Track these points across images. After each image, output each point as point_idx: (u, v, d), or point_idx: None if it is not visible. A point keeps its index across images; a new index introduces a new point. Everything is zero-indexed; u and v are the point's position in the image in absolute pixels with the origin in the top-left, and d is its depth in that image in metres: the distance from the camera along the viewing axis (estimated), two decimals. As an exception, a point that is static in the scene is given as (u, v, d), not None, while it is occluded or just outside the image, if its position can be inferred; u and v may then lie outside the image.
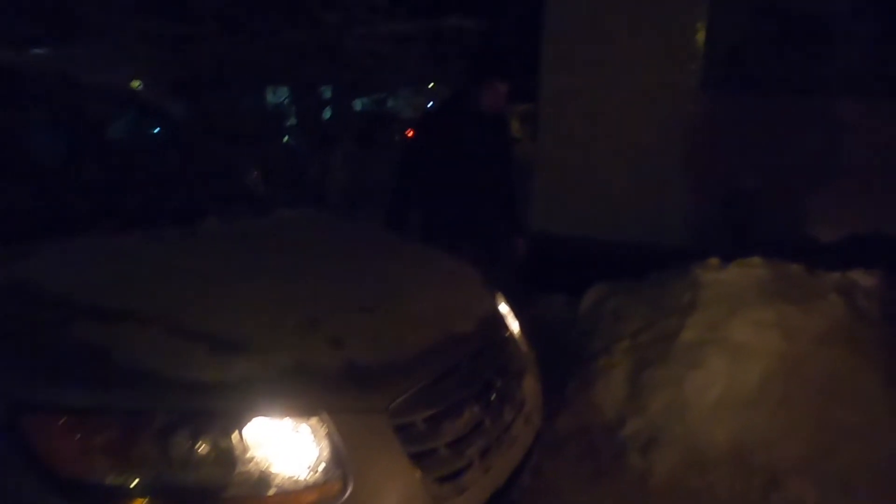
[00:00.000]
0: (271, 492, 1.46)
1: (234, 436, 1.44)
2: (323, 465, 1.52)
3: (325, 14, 6.11)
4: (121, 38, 6.46)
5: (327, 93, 7.69)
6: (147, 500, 1.35)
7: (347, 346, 1.72)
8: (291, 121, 7.41)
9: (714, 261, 4.11)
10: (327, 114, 7.69)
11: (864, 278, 3.73)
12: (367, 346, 1.76)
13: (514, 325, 2.58)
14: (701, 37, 4.98)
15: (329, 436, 1.53)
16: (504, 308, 2.62)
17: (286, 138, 7.46)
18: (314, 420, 1.53)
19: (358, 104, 9.15)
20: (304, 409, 1.53)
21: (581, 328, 4.27)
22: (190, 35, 6.10)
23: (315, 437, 1.53)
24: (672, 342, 3.69)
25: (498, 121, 3.66)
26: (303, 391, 1.55)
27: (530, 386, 2.38)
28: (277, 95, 8.43)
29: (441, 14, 6.47)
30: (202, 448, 1.40)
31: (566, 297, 4.62)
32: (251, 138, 7.24)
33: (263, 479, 1.46)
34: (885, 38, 4.80)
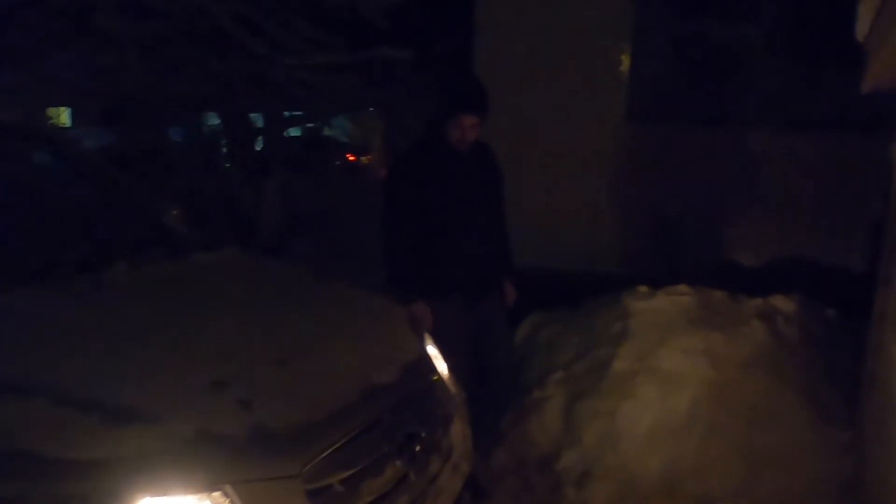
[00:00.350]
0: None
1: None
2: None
3: (255, 44, 5.99)
4: (47, 68, 6.21)
5: (259, 121, 7.55)
6: None
7: (257, 408, 1.63)
8: (222, 150, 7.23)
9: (643, 289, 4.18)
10: (259, 143, 7.55)
11: (783, 303, 3.84)
12: (279, 406, 1.68)
13: (441, 367, 2.53)
14: (625, 69, 5.12)
15: (234, 509, 1.44)
16: (432, 349, 2.57)
17: (216, 168, 7.28)
18: (217, 494, 1.44)
19: (292, 132, 9.02)
20: (205, 483, 1.43)
21: (516, 359, 4.26)
22: (114, 64, 5.89)
23: (218, 512, 1.43)
24: (604, 372, 3.71)
25: (479, 156, 3.16)
26: (204, 462, 1.46)
27: (458, 431, 2.33)
28: (207, 125, 8.24)
29: (371, 44, 6.46)
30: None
31: (513, 325, 4.61)
32: (179, 169, 7.03)
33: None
34: (798, 70, 5.03)
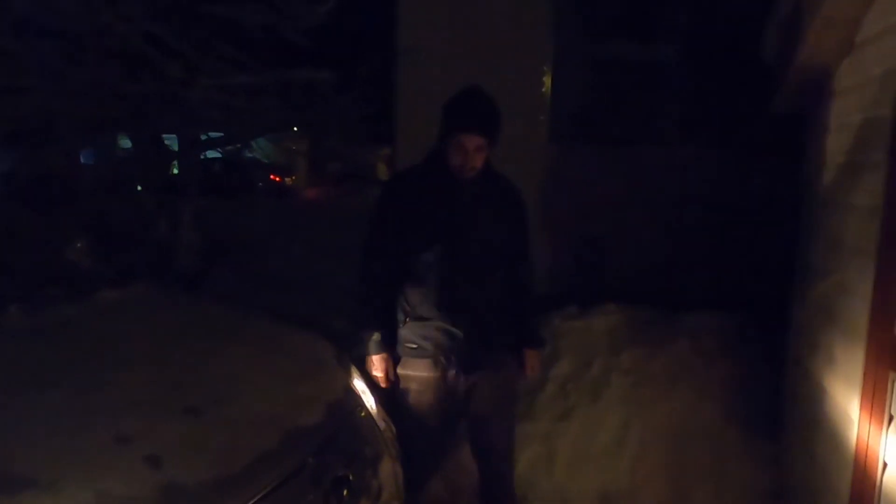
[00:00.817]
0: None
1: None
2: None
3: (169, 65, 5.74)
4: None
5: (175, 145, 7.25)
6: None
7: (166, 465, 1.49)
8: (134, 175, 6.88)
9: (572, 309, 4.20)
10: (175, 167, 7.22)
11: (706, 320, 3.93)
12: (191, 460, 1.54)
13: (370, 402, 2.43)
14: (547, 92, 5.18)
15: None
16: (359, 384, 2.46)
17: (128, 194, 6.91)
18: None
19: (211, 155, 8.71)
20: (107, 555, 1.29)
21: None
22: (12, 86, 5.52)
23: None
24: (537, 395, 3.69)
25: (490, 190, 2.53)
26: (106, 532, 1.31)
27: (388, 469, 2.23)
28: (118, 149, 7.84)
29: (292, 66, 6.32)
30: None
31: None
32: (86, 197, 6.64)
33: None
34: (710, 91, 5.22)
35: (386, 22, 6.02)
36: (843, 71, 2.62)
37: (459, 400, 2.54)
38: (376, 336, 2.49)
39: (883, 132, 2.05)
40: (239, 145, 7.92)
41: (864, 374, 2.13)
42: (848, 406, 2.29)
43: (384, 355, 2.51)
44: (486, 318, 2.49)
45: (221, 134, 7.41)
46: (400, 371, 2.54)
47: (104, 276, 2.75)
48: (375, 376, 2.53)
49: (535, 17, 5.12)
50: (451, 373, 2.49)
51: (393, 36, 5.77)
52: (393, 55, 5.87)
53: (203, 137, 7.15)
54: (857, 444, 2.18)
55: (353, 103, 7.54)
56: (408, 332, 2.49)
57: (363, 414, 2.30)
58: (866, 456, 2.10)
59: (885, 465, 2.00)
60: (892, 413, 1.96)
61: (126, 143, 7.29)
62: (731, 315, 3.93)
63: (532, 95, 5.19)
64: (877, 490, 2.03)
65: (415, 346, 2.48)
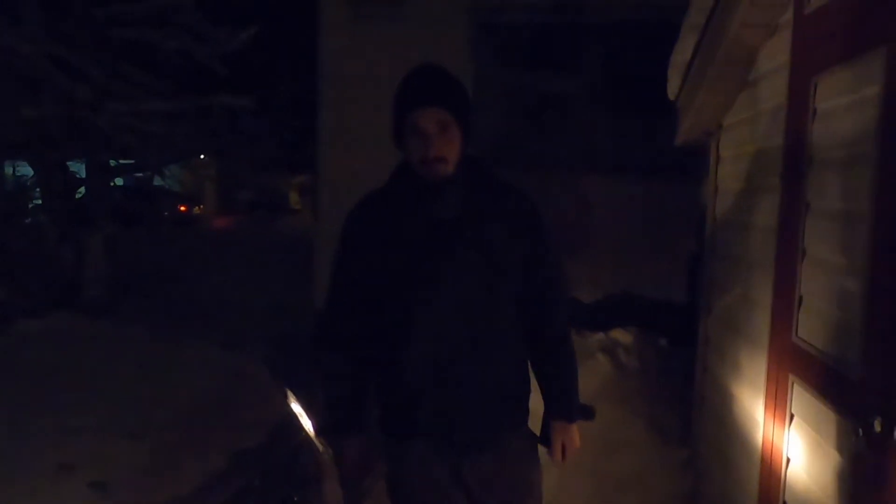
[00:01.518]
0: None
1: None
2: None
3: (76, 88, 5.55)
4: None
5: (82, 171, 6.95)
6: None
7: (113, 490, 1.47)
8: (35, 202, 6.53)
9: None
10: (81, 194, 6.93)
11: (622, 336, 4.15)
12: (139, 485, 1.52)
13: (307, 425, 2.44)
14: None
15: None
16: (297, 407, 2.47)
17: (30, 223, 6.56)
18: None
19: (119, 181, 8.39)
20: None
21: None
22: None
23: None
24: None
25: (480, 204, 1.82)
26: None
27: (329, 490, 2.24)
28: (18, 175, 7.43)
29: (209, 91, 6.24)
30: None
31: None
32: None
33: None
34: (621, 120, 5.57)
35: (307, 49, 6.08)
36: (737, 105, 2.91)
37: (455, 496, 1.83)
38: (345, 415, 1.89)
39: (776, 160, 2.30)
40: (150, 172, 7.69)
41: (767, 378, 2.35)
42: (753, 409, 2.50)
43: (357, 439, 1.89)
44: (486, 384, 1.80)
45: (132, 161, 7.19)
46: (376, 458, 1.92)
47: (19, 308, 2.65)
48: (346, 465, 1.91)
49: (453, 46, 5.30)
50: (442, 460, 1.82)
51: (314, 63, 5.82)
52: (314, 82, 5.91)
53: (113, 163, 6.91)
54: (763, 444, 2.38)
55: (270, 130, 7.51)
56: (385, 410, 1.88)
57: (303, 436, 2.31)
58: (771, 453, 2.31)
59: (788, 460, 2.20)
60: (793, 412, 2.16)
61: (26, 170, 6.93)
62: (644, 332, 4.17)
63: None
64: (782, 484, 2.22)
65: (394, 426, 1.86)
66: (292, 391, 2.59)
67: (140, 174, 7.82)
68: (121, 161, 7.25)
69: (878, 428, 1.48)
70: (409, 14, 5.48)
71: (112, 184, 7.80)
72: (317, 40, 5.73)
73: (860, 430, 1.54)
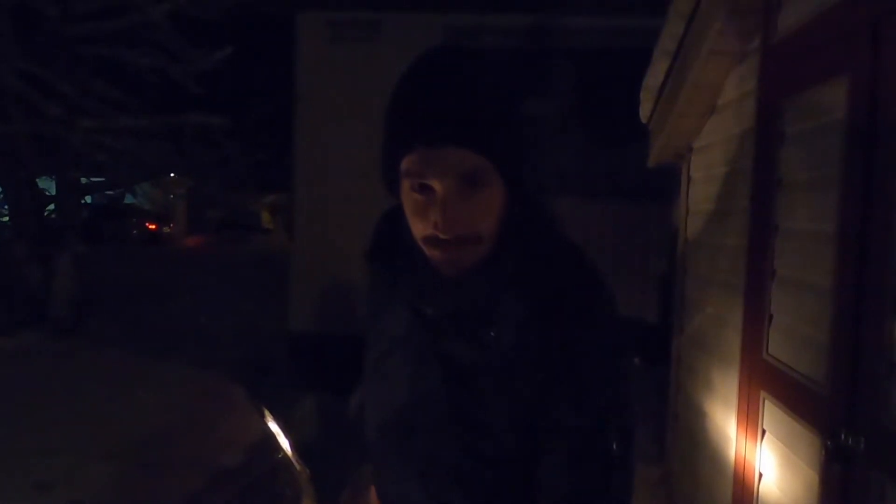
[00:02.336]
0: None
1: None
2: None
3: (47, 105, 5.49)
4: None
5: (52, 188, 6.84)
6: None
7: (90, 510, 1.45)
8: (2, 220, 6.39)
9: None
10: (50, 212, 6.81)
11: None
12: (117, 504, 1.50)
13: (285, 444, 2.42)
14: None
15: None
16: (273, 427, 2.45)
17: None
18: None
19: (88, 199, 8.26)
20: None
21: (350, 430, 4.18)
22: None
23: None
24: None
25: (505, 280, 0.98)
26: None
27: (307, 510, 2.22)
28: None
29: (182, 110, 6.22)
30: None
31: (332, 396, 4.52)
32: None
33: None
34: (593, 143, 5.67)
35: (281, 69, 6.10)
36: (707, 129, 3.00)
37: None
38: None
39: (745, 182, 2.37)
40: (121, 189, 7.59)
41: (739, 396, 2.40)
42: (726, 425, 2.55)
43: None
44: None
45: (103, 178, 7.09)
46: None
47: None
48: None
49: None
50: None
51: (288, 83, 5.84)
52: (288, 102, 5.92)
53: (83, 181, 6.81)
54: (735, 460, 2.43)
55: (243, 150, 7.48)
56: None
57: (280, 455, 2.29)
58: (744, 469, 2.35)
59: (760, 475, 2.24)
60: (765, 428, 2.21)
61: (-8, 186, 6.80)
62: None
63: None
64: (755, 499, 2.26)
65: None
66: (269, 410, 2.58)
67: (110, 192, 7.69)
68: (91, 179, 7.15)
69: (844, 441, 1.53)
70: (385, 36, 5.54)
71: (82, 201, 7.69)
72: (292, 60, 5.76)
73: (828, 444, 1.58)
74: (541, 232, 1.03)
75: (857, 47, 1.61)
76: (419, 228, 0.93)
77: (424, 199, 0.91)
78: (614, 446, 0.94)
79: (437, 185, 0.89)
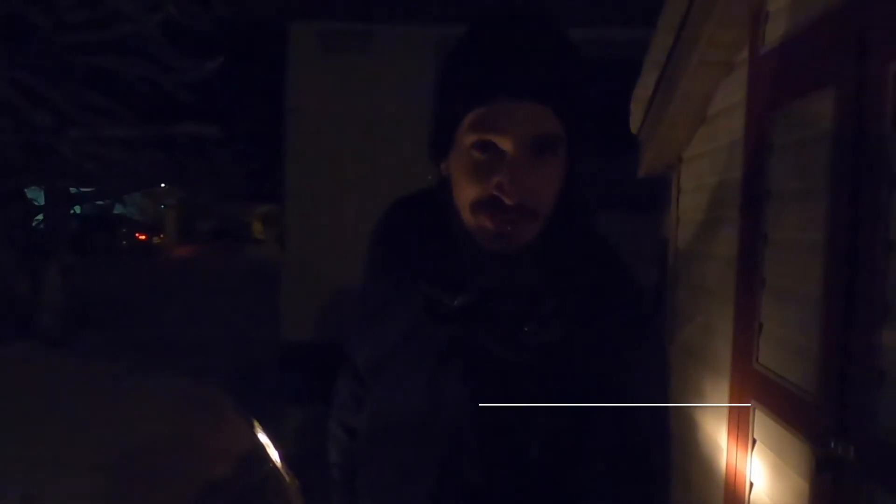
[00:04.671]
0: None
1: None
2: None
3: (36, 115, 5.46)
4: None
5: (40, 198, 6.80)
6: None
7: (78, 523, 1.43)
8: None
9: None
10: (39, 222, 6.77)
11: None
12: (104, 517, 1.49)
13: (274, 456, 2.41)
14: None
15: None
16: (263, 438, 2.44)
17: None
18: None
19: (78, 209, 8.22)
20: None
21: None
22: None
23: None
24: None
25: (563, 276, 0.90)
26: None
27: (297, 522, 2.21)
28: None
29: (174, 119, 6.21)
30: None
31: (323, 406, 4.50)
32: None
33: None
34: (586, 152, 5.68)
35: (273, 79, 6.11)
36: (697, 139, 3.02)
37: None
38: None
39: (735, 192, 2.39)
40: (111, 200, 7.57)
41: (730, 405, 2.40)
42: (717, 435, 2.55)
43: None
44: None
45: (92, 188, 7.07)
46: None
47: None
48: None
49: (421, 80, 5.38)
50: None
51: (281, 93, 5.84)
52: (280, 113, 5.93)
53: (73, 191, 6.78)
54: (726, 469, 2.43)
55: (235, 160, 7.47)
56: None
57: (270, 467, 2.27)
58: (735, 479, 2.35)
59: (751, 484, 2.24)
60: (756, 437, 2.22)
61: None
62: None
63: (414, 155, 5.41)
64: (746, 508, 2.27)
65: None
66: (259, 421, 2.56)
67: (100, 202, 7.66)
68: (81, 189, 7.12)
69: (834, 450, 1.54)
70: (377, 48, 5.57)
71: (71, 212, 7.65)
72: (284, 71, 5.77)
73: (818, 453, 1.59)
74: (587, 222, 0.97)
75: (843, 59, 1.62)
76: (475, 191, 0.84)
77: (488, 159, 0.83)
78: (656, 470, 0.85)
79: (508, 143, 0.82)
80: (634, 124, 3.46)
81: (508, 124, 0.82)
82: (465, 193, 0.86)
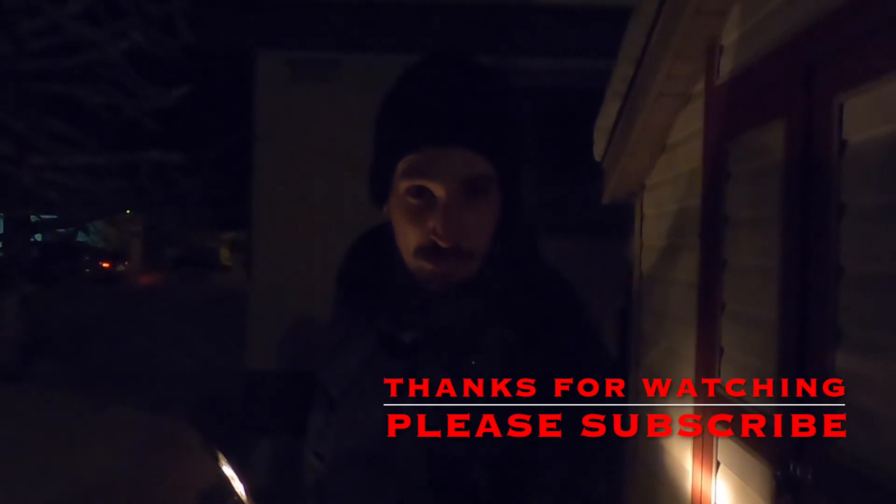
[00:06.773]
0: None
1: None
2: None
3: (-3, 142, 5.37)
4: None
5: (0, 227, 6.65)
6: None
7: (32, 565, 1.39)
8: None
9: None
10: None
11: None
12: (60, 558, 1.44)
13: (240, 489, 2.36)
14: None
15: None
16: (228, 471, 2.39)
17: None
18: None
19: (39, 237, 8.04)
20: None
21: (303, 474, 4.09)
22: None
23: None
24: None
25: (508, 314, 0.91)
26: None
27: (262, 557, 2.16)
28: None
29: (138, 147, 6.14)
30: None
31: (292, 436, 4.43)
32: None
33: None
34: (550, 180, 5.78)
35: (241, 107, 6.09)
36: (659, 167, 3.09)
37: None
38: None
39: (694, 219, 2.45)
40: (73, 228, 7.43)
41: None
42: (682, 458, 2.58)
43: None
44: None
45: (54, 216, 6.93)
46: None
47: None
48: None
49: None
50: None
51: (247, 120, 5.83)
52: (246, 139, 5.91)
53: (34, 219, 6.64)
54: (692, 492, 2.45)
55: (202, 186, 7.41)
56: None
57: (235, 500, 2.23)
58: (700, 500, 2.38)
59: (716, 507, 2.27)
60: (719, 460, 2.25)
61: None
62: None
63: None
64: (712, 531, 2.29)
65: None
66: (223, 454, 2.51)
67: (62, 230, 7.52)
68: (42, 216, 6.99)
69: (793, 472, 1.57)
70: (345, 76, 5.60)
71: (32, 240, 7.48)
72: (251, 99, 5.76)
73: (778, 475, 1.62)
74: (528, 255, 0.99)
75: (792, 91, 1.69)
76: (413, 237, 0.87)
77: (421, 205, 0.85)
78: (601, 487, 0.87)
79: (439, 188, 0.84)
80: (598, 153, 3.53)
81: (438, 170, 0.84)
82: (405, 238, 0.89)
